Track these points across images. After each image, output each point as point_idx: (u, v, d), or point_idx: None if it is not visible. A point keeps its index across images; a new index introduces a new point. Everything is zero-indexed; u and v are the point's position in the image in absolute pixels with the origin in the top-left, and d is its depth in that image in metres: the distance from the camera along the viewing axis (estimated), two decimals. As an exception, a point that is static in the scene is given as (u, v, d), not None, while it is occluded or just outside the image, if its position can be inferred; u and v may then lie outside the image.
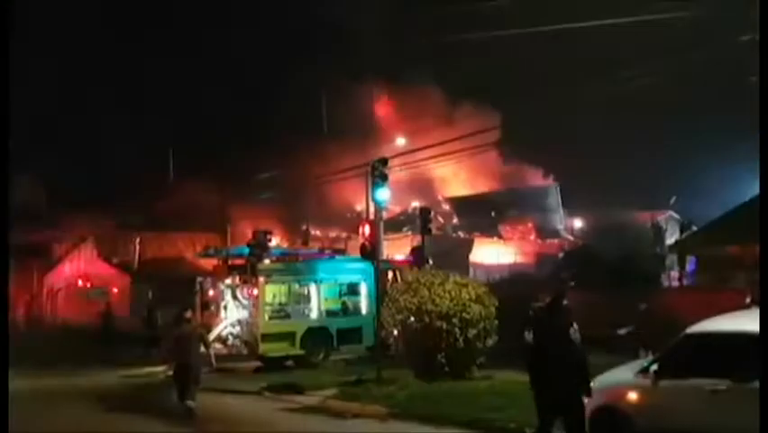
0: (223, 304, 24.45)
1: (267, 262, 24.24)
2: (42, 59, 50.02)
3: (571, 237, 46.71)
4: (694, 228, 29.51)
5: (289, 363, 23.26)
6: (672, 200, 41.23)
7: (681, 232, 31.72)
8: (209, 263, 28.11)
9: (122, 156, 46.18)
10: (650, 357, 10.73)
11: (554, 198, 48.94)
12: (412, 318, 17.59)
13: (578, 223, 48.79)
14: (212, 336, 22.84)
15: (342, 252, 29.49)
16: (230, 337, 23.72)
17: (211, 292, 25.52)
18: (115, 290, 38.97)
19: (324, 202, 44.65)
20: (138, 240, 38.88)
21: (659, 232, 30.59)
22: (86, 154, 47.77)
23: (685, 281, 25.03)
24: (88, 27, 53.06)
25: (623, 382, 10.30)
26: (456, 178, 50.43)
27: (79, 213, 42.18)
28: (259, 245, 23.83)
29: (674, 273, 26.58)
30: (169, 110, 49.70)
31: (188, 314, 16.73)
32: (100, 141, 48.04)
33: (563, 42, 35.09)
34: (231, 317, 23.99)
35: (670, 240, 30.04)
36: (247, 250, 24.52)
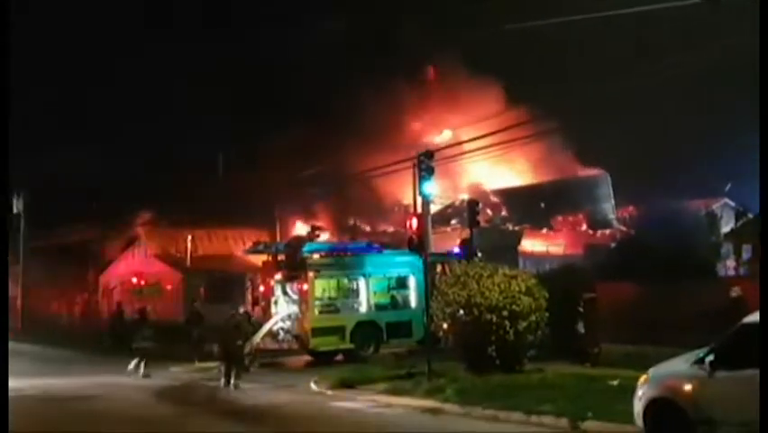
0: (273, 299, 24.66)
1: (316, 256, 24.40)
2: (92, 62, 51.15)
3: (623, 227, 45.92)
4: (750, 216, 28.74)
5: (339, 357, 23.37)
6: (727, 187, 40.20)
7: (737, 220, 30.96)
8: (259, 259, 28.36)
9: (171, 154, 47.01)
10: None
11: (606, 188, 48.13)
12: (461, 311, 17.50)
13: (630, 212, 47.97)
14: (263, 331, 23.14)
15: (391, 246, 29.48)
16: (281, 332, 23.91)
17: (261, 288, 25.76)
18: (168, 286, 39.63)
19: (371, 196, 44.67)
20: (189, 237, 39.42)
21: (714, 220, 29.93)
22: (137, 153, 48.58)
23: (741, 271, 24.41)
24: (138, 27, 53.93)
25: (678, 373, 10.08)
26: (504, 169, 49.96)
27: (132, 211, 43.02)
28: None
29: (730, 262, 25.96)
30: (216, 108, 50.17)
31: (236, 309, 18.65)
32: (150, 139, 48.87)
33: (612, 29, 34.51)
34: (281, 312, 24.17)
35: (725, 228, 29.35)
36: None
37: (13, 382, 20.50)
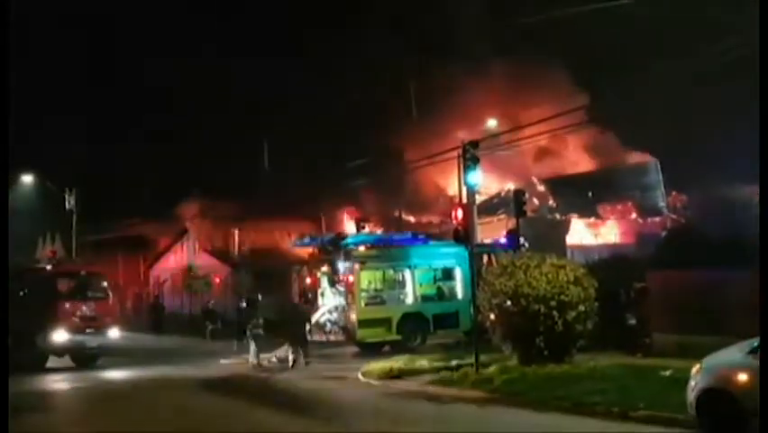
0: (320, 291, 24.81)
1: (361, 248, 24.49)
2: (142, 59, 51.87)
3: (673, 215, 45.11)
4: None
5: (386, 348, 23.42)
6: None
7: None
8: (305, 252, 28.57)
9: (217, 148, 47.43)
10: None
11: (655, 175, 47.30)
12: (508, 302, 17.35)
13: (681, 199, 47.05)
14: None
15: (438, 236, 29.42)
16: (328, 324, 24.05)
17: (308, 280, 25.94)
18: (217, 279, 40.13)
19: (416, 187, 44.58)
20: (237, 231, 39.87)
21: (767, 207, 29.08)
22: (183, 147, 49.08)
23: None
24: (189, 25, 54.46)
25: (732, 363, 9.86)
26: (551, 158, 49.39)
27: (180, 205, 43.61)
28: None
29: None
30: (259, 100, 50.40)
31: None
32: (196, 135, 49.37)
33: (664, 10, 33.71)
34: (328, 304, 24.31)
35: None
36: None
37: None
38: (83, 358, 22.67)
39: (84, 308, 22.89)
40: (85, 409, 16.12)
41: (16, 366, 21.34)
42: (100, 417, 14.79)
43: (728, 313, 16.37)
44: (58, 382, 19.60)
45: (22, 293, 22.30)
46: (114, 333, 23.29)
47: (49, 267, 23.93)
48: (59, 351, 22.30)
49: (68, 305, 22.70)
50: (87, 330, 22.55)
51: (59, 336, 21.99)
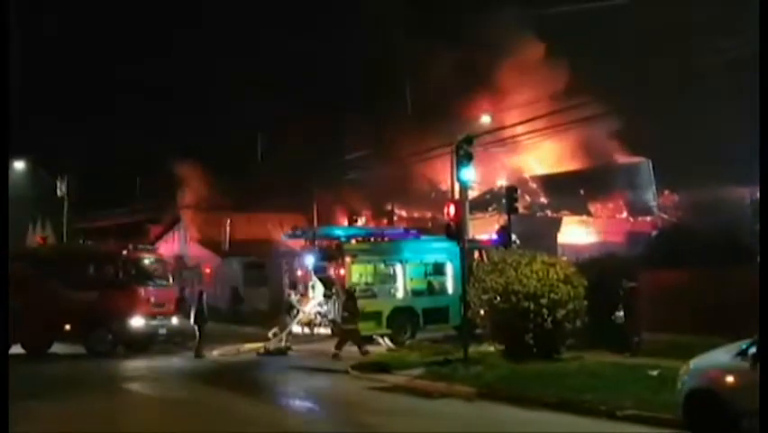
0: (310, 284, 24.76)
1: (353, 242, 24.48)
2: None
3: (664, 215, 45.27)
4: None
5: (377, 341, 23.42)
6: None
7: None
8: (297, 244, 28.53)
9: (211, 138, 47.38)
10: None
11: (646, 175, 47.45)
12: (498, 299, 17.40)
13: (672, 199, 47.21)
14: (300, 316, 23.36)
15: (429, 231, 29.39)
16: (317, 317, 24.00)
17: (299, 272, 25.88)
18: (207, 270, 40.06)
19: (409, 182, 44.59)
20: (228, 221, 39.78)
21: (758, 208, 29.27)
22: (177, 136, 49.03)
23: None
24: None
25: (720, 364, 9.91)
26: (543, 155, 49.45)
27: (173, 194, 43.51)
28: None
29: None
30: (254, 92, 50.34)
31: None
32: (192, 121, 49.27)
33: (660, 9, 33.77)
34: (318, 296, 24.26)
35: (770, 216, 28.62)
36: (335, 230, 25.12)
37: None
38: (139, 344, 22.54)
39: (158, 294, 22.98)
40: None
41: (89, 352, 21.56)
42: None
43: (719, 312, 16.45)
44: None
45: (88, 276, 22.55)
46: (175, 320, 23.34)
47: (124, 252, 23.57)
48: (137, 337, 22.18)
49: (143, 291, 22.67)
50: (158, 317, 22.57)
51: (137, 321, 21.93)
